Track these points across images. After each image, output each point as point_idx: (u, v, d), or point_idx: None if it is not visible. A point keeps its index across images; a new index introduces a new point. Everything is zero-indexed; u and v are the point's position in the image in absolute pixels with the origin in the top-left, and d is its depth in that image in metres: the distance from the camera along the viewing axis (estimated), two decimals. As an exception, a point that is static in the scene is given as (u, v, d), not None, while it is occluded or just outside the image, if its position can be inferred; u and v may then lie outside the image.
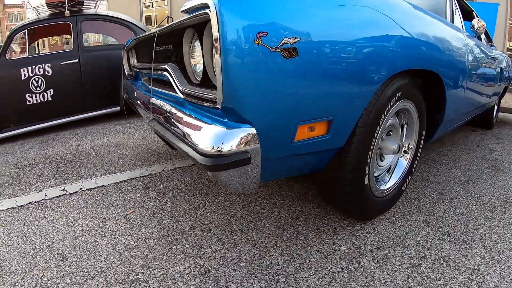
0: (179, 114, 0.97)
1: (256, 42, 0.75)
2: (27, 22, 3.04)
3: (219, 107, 0.79)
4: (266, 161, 0.86)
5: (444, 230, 1.28)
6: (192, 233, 1.26)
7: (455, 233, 1.26)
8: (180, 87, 1.03)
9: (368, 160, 1.14)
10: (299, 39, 0.81)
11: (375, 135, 1.13)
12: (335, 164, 1.11)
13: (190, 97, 0.97)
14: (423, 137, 1.49)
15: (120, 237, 1.25)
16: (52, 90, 3.04)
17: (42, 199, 1.63)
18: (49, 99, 3.03)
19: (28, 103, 2.95)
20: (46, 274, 1.09)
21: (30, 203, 1.60)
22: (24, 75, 2.89)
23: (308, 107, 0.89)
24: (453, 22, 1.83)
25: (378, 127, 1.13)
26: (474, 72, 1.79)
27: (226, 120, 0.81)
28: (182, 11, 0.90)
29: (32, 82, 2.93)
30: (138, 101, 1.51)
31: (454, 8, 1.91)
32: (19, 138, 2.99)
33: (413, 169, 1.50)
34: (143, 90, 1.59)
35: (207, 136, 0.77)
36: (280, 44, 0.78)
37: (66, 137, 2.93)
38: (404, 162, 1.48)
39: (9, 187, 1.83)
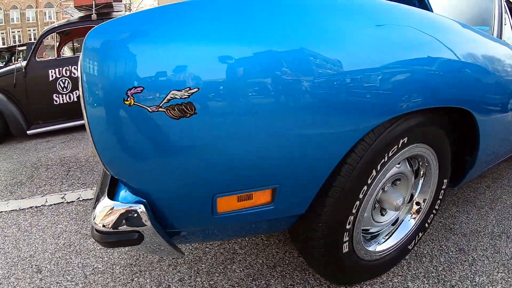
0: None
1: (127, 102, 0.60)
2: (56, 25, 3.48)
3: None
4: (183, 232, 0.82)
5: (446, 309, 1.16)
6: (158, 267, 1.34)
7: (460, 316, 1.12)
8: None
9: (348, 226, 0.95)
10: (196, 89, 0.61)
11: (360, 196, 0.92)
12: (299, 230, 0.96)
13: None
14: (444, 187, 1.23)
15: (92, 258, 1.39)
16: (78, 91, 3.40)
17: (42, 205, 1.86)
18: (75, 99, 3.42)
19: (55, 102, 3.37)
20: (19, 283, 1.26)
21: (31, 207, 1.84)
22: (52, 76, 3.32)
23: (228, 176, 0.72)
24: (501, 34, 1.58)
25: (365, 186, 0.92)
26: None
27: (120, 190, 0.74)
28: None
29: (59, 83, 3.35)
30: None
31: (503, 15, 1.65)
32: (46, 136, 3.41)
33: (426, 225, 1.27)
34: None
35: (97, 208, 0.72)
36: (165, 101, 0.60)
37: (88, 138, 3.25)
38: (411, 222, 1.23)
39: (20, 187, 2.11)
